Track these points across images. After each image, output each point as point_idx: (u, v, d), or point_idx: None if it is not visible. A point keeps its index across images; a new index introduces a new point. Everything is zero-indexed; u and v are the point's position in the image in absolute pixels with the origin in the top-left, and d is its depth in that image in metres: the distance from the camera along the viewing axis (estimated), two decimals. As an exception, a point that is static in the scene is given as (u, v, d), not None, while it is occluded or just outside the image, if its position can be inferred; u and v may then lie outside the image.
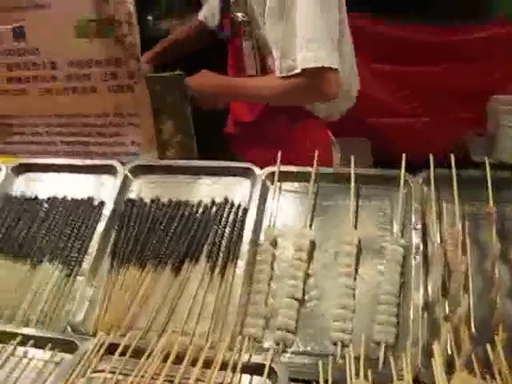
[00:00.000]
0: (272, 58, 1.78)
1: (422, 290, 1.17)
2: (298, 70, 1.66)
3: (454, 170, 1.34)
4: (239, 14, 1.82)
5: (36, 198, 1.57)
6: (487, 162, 1.36)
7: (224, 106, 2.00)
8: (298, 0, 1.63)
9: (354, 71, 2.01)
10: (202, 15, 2.30)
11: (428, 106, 3.33)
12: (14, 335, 1.26)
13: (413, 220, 1.29)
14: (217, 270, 1.30)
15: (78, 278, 1.35)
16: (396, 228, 1.30)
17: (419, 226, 1.28)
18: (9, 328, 1.29)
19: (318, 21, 1.63)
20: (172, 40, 2.35)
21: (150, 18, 3.49)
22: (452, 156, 1.37)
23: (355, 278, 1.23)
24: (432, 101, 3.30)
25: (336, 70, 1.66)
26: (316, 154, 1.41)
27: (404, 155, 1.39)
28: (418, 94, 3.29)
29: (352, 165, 1.38)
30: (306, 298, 1.22)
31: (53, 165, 1.65)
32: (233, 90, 1.86)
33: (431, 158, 1.37)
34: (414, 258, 1.22)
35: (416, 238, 1.26)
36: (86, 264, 1.36)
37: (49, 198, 1.55)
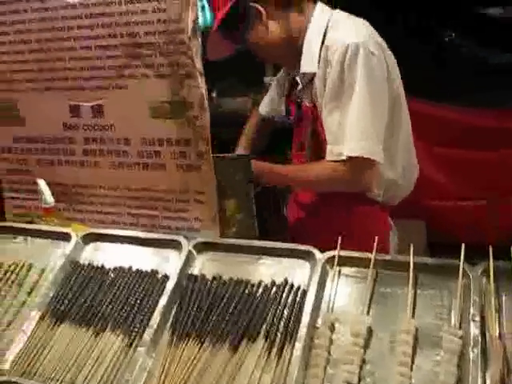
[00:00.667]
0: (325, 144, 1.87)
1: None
2: (344, 157, 1.77)
3: (514, 262, 1.34)
4: (306, 101, 1.92)
5: (103, 266, 1.64)
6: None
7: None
8: (353, 93, 1.75)
9: (413, 161, 2.06)
10: (262, 109, 2.40)
11: (485, 191, 3.33)
12: (74, 400, 1.31)
13: (471, 312, 1.29)
14: (274, 350, 1.32)
15: (139, 348, 1.39)
16: (454, 319, 1.30)
17: (478, 319, 1.27)
18: (70, 393, 1.34)
19: (369, 115, 1.76)
20: (247, 146, 2.41)
21: (214, 95, 3.66)
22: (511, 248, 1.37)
23: (411, 368, 1.23)
24: (489, 186, 3.30)
25: (377, 163, 1.79)
26: (375, 241, 1.44)
27: (463, 245, 1.40)
28: (475, 177, 3.30)
29: (411, 253, 1.40)
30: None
31: (121, 236, 1.73)
32: (282, 179, 1.99)
33: (490, 249, 1.38)
34: (472, 350, 1.22)
35: (474, 330, 1.25)
36: (147, 336, 1.41)
37: (115, 268, 1.62)
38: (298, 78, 1.95)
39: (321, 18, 1.88)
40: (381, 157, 1.79)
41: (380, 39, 1.86)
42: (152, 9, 1.68)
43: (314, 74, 1.87)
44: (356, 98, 1.75)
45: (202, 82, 1.70)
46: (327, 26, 1.85)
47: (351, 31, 1.82)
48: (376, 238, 1.44)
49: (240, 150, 2.37)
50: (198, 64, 1.68)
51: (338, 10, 1.93)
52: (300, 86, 1.95)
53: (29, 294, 1.63)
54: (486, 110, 3.59)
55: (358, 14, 1.93)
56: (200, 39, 1.67)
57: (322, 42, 1.85)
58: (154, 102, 1.76)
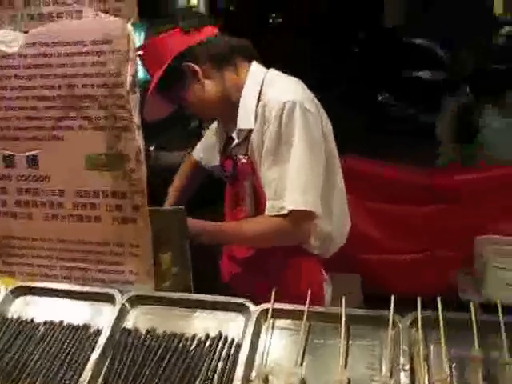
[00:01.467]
0: (264, 198, 1.90)
1: None
2: (285, 211, 1.81)
3: (440, 313, 1.39)
4: (241, 156, 1.96)
5: (32, 320, 1.59)
6: (472, 305, 1.42)
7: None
8: (292, 148, 1.81)
9: (346, 212, 2.12)
10: (197, 154, 2.44)
11: (416, 244, 3.45)
12: None
13: (401, 361, 1.32)
14: (208, 405, 1.31)
15: (69, 406, 1.35)
16: (385, 368, 1.32)
17: (407, 368, 1.30)
18: None
19: (308, 168, 1.82)
20: (179, 187, 2.44)
21: (151, 148, 3.68)
22: (439, 298, 1.42)
23: (345, 419, 1.24)
24: (420, 239, 3.42)
25: (316, 215, 1.84)
26: (309, 293, 1.46)
27: (392, 296, 1.44)
28: (407, 232, 3.42)
29: (342, 305, 1.43)
30: None
31: (52, 289, 1.69)
32: (221, 237, 2.00)
33: (418, 300, 1.43)
34: (403, 399, 1.24)
35: (404, 379, 1.28)
36: (78, 391, 1.37)
37: (45, 322, 1.57)
38: (234, 135, 1.99)
39: (256, 76, 1.94)
40: (320, 209, 1.84)
41: (314, 98, 1.93)
42: (91, 62, 1.69)
43: (251, 130, 1.92)
44: (294, 152, 1.81)
45: (139, 135, 1.71)
46: (263, 84, 1.92)
47: (287, 89, 1.89)
48: (310, 290, 1.47)
49: (171, 194, 2.39)
50: (136, 117, 1.70)
51: (272, 69, 2.00)
52: (236, 142, 1.99)
53: (-48, 350, 1.56)
54: (417, 167, 3.76)
55: (292, 75, 2.01)
56: (138, 93, 1.69)
57: (258, 99, 1.91)
58: (90, 154, 1.76)
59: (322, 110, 1.95)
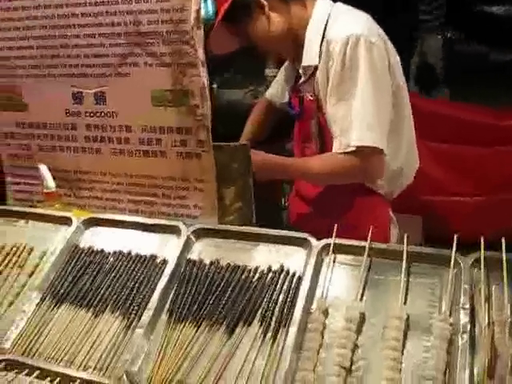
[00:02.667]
0: (331, 138, 1.90)
1: (467, 370, 1.19)
2: (352, 148, 1.79)
3: (504, 254, 1.37)
4: (307, 94, 1.95)
5: (102, 251, 1.67)
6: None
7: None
8: (356, 84, 1.78)
9: (414, 150, 2.09)
10: (269, 94, 2.43)
11: (481, 187, 3.37)
12: (73, 378, 1.35)
13: (461, 300, 1.31)
14: (269, 334, 1.36)
15: (137, 330, 1.42)
16: (444, 307, 1.33)
17: (467, 307, 1.30)
18: (69, 371, 1.37)
19: (373, 106, 1.79)
20: (253, 125, 2.45)
21: (214, 85, 3.69)
22: (503, 239, 1.40)
23: (402, 352, 1.26)
24: (485, 181, 3.33)
25: (383, 152, 1.81)
26: (372, 230, 1.47)
27: (456, 236, 1.43)
28: (471, 174, 3.34)
29: (405, 242, 1.43)
30: (353, 367, 1.26)
31: (121, 221, 1.75)
32: (288, 172, 2.00)
33: (482, 240, 1.41)
34: (461, 337, 1.25)
35: (464, 318, 1.28)
36: (145, 318, 1.44)
37: (114, 252, 1.65)
38: (300, 71, 1.97)
39: (322, 11, 1.90)
40: (386, 146, 1.82)
41: (381, 31, 1.88)
42: (156, -2, 1.70)
43: (316, 68, 1.90)
44: (359, 88, 1.78)
45: (203, 71, 1.72)
46: (328, 19, 1.88)
47: (352, 23, 1.84)
48: (374, 227, 1.47)
49: (245, 134, 2.40)
50: (200, 53, 1.71)
51: (338, 3, 1.96)
52: (302, 79, 1.98)
53: (29, 276, 1.66)
54: (483, 106, 3.63)
55: (358, 8, 1.96)
56: (202, 29, 1.69)
57: (323, 36, 1.87)
58: (155, 91, 1.79)
59: (389, 43, 1.89)
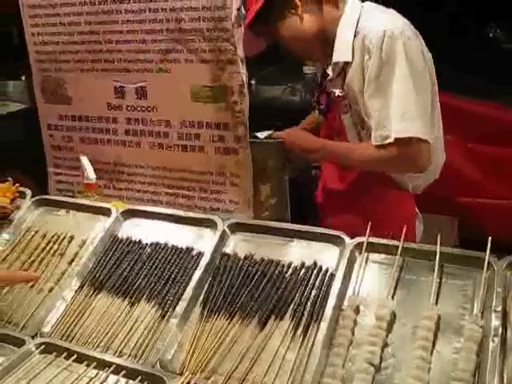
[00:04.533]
0: (366, 131, 1.90)
1: (497, 373, 1.19)
2: (391, 140, 1.79)
3: (538, 258, 1.37)
4: (336, 91, 1.96)
5: (140, 241, 1.71)
6: None
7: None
8: (394, 76, 1.78)
9: (441, 146, 2.08)
10: None
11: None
12: (108, 364, 1.39)
13: (493, 303, 1.31)
14: (300, 329, 1.38)
15: (171, 320, 1.46)
16: (476, 309, 1.33)
17: (499, 310, 1.30)
18: (105, 357, 1.42)
19: (411, 96, 1.78)
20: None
21: (253, 82, 3.71)
22: (538, 244, 1.40)
23: (431, 353, 1.27)
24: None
25: (428, 142, 1.79)
26: (402, 227, 1.47)
27: (490, 238, 1.43)
28: (510, 176, 3.29)
29: (438, 242, 1.43)
30: (383, 365, 1.27)
31: (158, 213, 1.78)
32: (326, 152, 1.99)
33: (516, 244, 1.41)
34: (492, 340, 1.24)
35: (495, 321, 1.28)
36: (180, 308, 1.47)
37: (152, 243, 1.69)
38: (329, 70, 1.98)
39: (353, 10, 1.91)
40: (428, 135, 1.81)
41: (413, 28, 1.88)
42: (198, -4, 1.74)
43: (346, 64, 1.91)
44: (397, 80, 1.78)
45: (242, 68, 1.76)
46: (359, 17, 1.89)
47: (386, 19, 1.85)
48: (404, 226, 1.48)
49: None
50: (240, 51, 1.74)
51: (368, 1, 1.96)
52: (330, 77, 1.98)
53: (69, 263, 1.71)
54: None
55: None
56: (243, 27, 1.72)
57: (355, 33, 1.88)
58: (195, 86, 1.83)
59: (422, 41, 1.89)
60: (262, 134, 1.91)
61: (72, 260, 1.72)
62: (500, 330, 1.26)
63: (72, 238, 1.78)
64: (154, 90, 1.90)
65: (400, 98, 1.79)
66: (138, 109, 1.95)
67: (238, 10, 1.70)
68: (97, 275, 1.63)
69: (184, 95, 1.85)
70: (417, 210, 2.07)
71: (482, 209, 3.38)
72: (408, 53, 1.78)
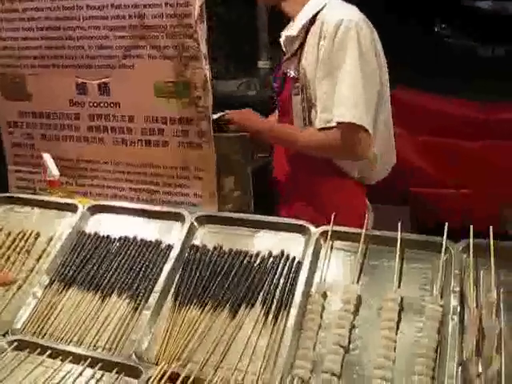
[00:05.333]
0: (313, 117, 1.96)
1: (457, 349, 1.27)
2: (333, 123, 1.86)
3: (491, 241, 1.46)
4: (291, 72, 2.01)
5: (108, 236, 1.72)
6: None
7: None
8: (344, 62, 1.84)
9: (391, 143, 2.14)
10: None
11: (468, 180, 3.45)
12: (83, 357, 1.41)
13: (452, 284, 1.40)
14: (270, 315, 1.43)
15: (144, 311, 1.49)
16: (436, 290, 1.41)
17: (457, 290, 1.38)
18: (79, 350, 1.44)
19: (358, 83, 1.84)
20: None
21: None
22: (491, 228, 1.49)
23: (396, 333, 1.34)
24: (472, 174, 3.42)
25: (368, 131, 1.86)
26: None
27: (446, 224, 1.51)
28: (459, 167, 3.42)
29: (399, 230, 1.51)
30: (351, 346, 1.34)
31: (125, 208, 1.81)
32: (272, 134, 2.04)
33: (471, 228, 1.50)
34: (452, 318, 1.33)
35: (454, 301, 1.36)
36: (152, 300, 1.51)
37: (120, 238, 1.71)
38: (283, 44, 2.08)
39: (318, 2, 1.98)
40: (368, 124, 1.86)
41: (370, 24, 1.96)
42: (161, -8, 1.76)
43: (301, 46, 1.97)
44: (346, 67, 1.84)
45: (206, 64, 1.79)
46: (324, 7, 1.95)
47: (345, 11, 1.92)
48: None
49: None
50: (203, 47, 1.77)
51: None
52: (287, 56, 2.05)
53: (37, 260, 1.71)
54: (470, 101, 3.71)
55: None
56: (206, 23, 1.75)
57: (315, 19, 1.94)
58: (158, 82, 1.85)
59: (377, 37, 1.97)
60: (214, 115, 1.94)
61: (40, 257, 1.72)
62: (458, 309, 1.35)
63: (38, 235, 1.78)
64: (117, 86, 1.91)
65: (347, 84, 1.84)
66: (101, 105, 1.95)
67: (201, 6, 1.73)
68: (66, 271, 1.65)
69: (147, 91, 1.86)
70: (367, 202, 2.13)
71: (432, 198, 3.51)
72: (360, 43, 1.84)
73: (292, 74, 2.01)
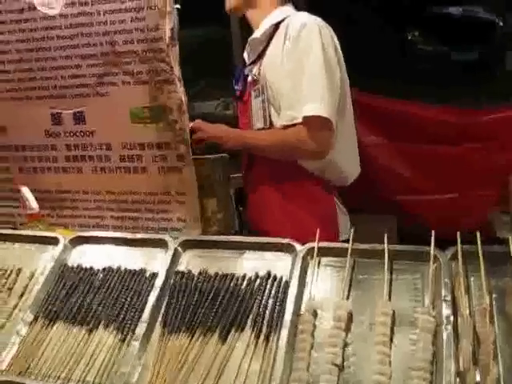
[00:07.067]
0: (277, 114, 1.96)
1: (453, 359, 1.25)
2: (299, 120, 1.86)
3: (480, 247, 1.44)
4: (252, 75, 2.03)
5: (91, 268, 1.69)
6: (511, 239, 1.47)
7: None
8: (308, 61, 1.86)
9: (356, 147, 2.14)
10: None
11: (453, 184, 3.45)
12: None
13: (443, 293, 1.38)
14: (261, 338, 1.40)
15: (132, 342, 1.46)
16: (427, 300, 1.39)
17: (449, 299, 1.36)
18: (69, 387, 1.40)
19: (322, 79, 1.86)
20: None
21: (185, 99, 3.71)
22: (478, 233, 1.47)
23: (390, 347, 1.32)
24: (457, 179, 3.42)
25: (332, 124, 1.86)
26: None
27: (433, 232, 1.50)
28: (442, 172, 3.42)
29: (385, 241, 1.49)
30: (346, 364, 1.31)
31: (107, 238, 1.77)
32: (236, 138, 2.00)
33: (458, 234, 1.48)
34: (445, 328, 1.31)
35: (446, 310, 1.34)
36: (140, 330, 1.47)
37: (104, 269, 1.67)
38: (248, 48, 2.10)
39: (284, 9, 2.03)
40: (334, 121, 1.86)
41: (331, 30, 1.98)
42: (130, 18, 1.75)
43: (263, 51, 2.00)
44: (310, 65, 1.86)
45: (180, 87, 1.78)
46: (288, 16, 1.99)
47: (310, 17, 1.95)
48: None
49: None
50: (177, 70, 1.76)
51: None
52: (250, 60, 2.08)
53: (20, 297, 1.67)
54: (448, 106, 3.72)
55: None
56: (178, 46, 1.74)
57: (279, 24, 1.98)
58: (134, 108, 1.84)
59: (336, 39, 1.98)
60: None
61: (22, 293, 1.68)
62: (451, 318, 1.32)
63: (20, 270, 1.74)
64: (93, 114, 1.89)
65: (311, 81, 1.85)
66: (77, 134, 1.93)
67: (172, 29, 1.72)
68: (50, 306, 1.61)
69: (123, 117, 1.85)
70: (341, 205, 2.12)
71: (417, 205, 3.50)
72: (323, 42, 1.87)
73: (254, 76, 2.03)
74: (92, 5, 1.78)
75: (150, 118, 1.83)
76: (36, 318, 1.59)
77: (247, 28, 2.21)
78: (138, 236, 1.75)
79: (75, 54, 1.84)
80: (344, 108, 2.00)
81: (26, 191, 1.93)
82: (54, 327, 1.57)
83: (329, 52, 1.89)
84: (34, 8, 1.85)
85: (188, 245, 1.67)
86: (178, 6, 1.92)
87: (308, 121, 1.85)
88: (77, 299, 1.61)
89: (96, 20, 1.79)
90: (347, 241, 1.93)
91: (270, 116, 1.98)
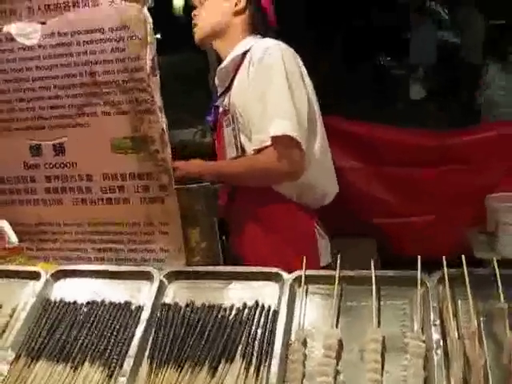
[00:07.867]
0: (249, 141, 1.97)
1: (445, 383, 1.25)
2: (268, 142, 1.86)
3: (465, 270, 1.45)
4: (222, 104, 2.07)
5: (75, 302, 1.65)
6: (495, 261, 1.48)
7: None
8: (272, 83, 1.87)
9: (331, 169, 2.16)
10: None
11: (430, 206, 3.49)
12: None
13: (431, 317, 1.38)
14: (251, 369, 1.38)
15: (120, 378, 1.42)
16: (416, 325, 1.39)
17: (438, 323, 1.37)
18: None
19: (287, 98, 1.87)
20: None
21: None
22: (463, 257, 1.48)
23: (382, 374, 1.31)
24: (433, 201, 3.46)
25: (300, 144, 1.85)
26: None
27: (419, 257, 1.50)
28: (419, 194, 3.46)
29: (372, 267, 1.50)
30: (338, 393, 1.30)
31: (90, 271, 1.74)
32: (210, 171, 2.01)
33: (444, 258, 1.49)
34: (436, 352, 1.31)
35: (436, 335, 1.34)
36: (127, 365, 1.44)
37: (88, 303, 1.64)
38: (216, 80, 2.14)
39: (251, 39, 2.05)
40: (303, 141, 1.86)
41: (294, 52, 2.00)
42: (111, 48, 1.74)
43: (232, 81, 2.03)
44: (275, 86, 1.87)
45: (162, 116, 1.77)
46: (253, 45, 2.01)
47: (272, 41, 1.98)
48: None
49: None
50: (158, 100, 1.75)
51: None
52: (220, 91, 2.12)
53: (1, 335, 1.63)
54: (424, 129, 3.78)
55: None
56: (159, 75, 1.74)
57: (245, 53, 2.00)
58: (115, 139, 1.82)
59: (300, 60, 2.00)
60: None
61: (3, 331, 1.63)
62: (441, 343, 1.33)
63: (0, 307, 1.70)
64: (73, 145, 1.87)
65: (276, 102, 1.86)
66: (57, 166, 1.90)
67: (153, 59, 1.71)
68: (32, 343, 1.56)
69: (104, 148, 1.83)
70: (320, 230, 2.11)
71: (396, 228, 3.53)
72: (285, 63, 1.89)
73: (224, 107, 2.06)
74: (71, 35, 1.77)
75: (131, 148, 1.81)
76: (18, 357, 1.55)
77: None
78: (122, 268, 1.73)
79: (54, 85, 1.82)
80: (315, 127, 2.02)
81: (4, 224, 1.90)
82: (38, 365, 1.52)
83: (292, 73, 1.90)
84: (12, 39, 1.84)
85: (173, 276, 1.65)
86: (158, 35, 1.92)
87: (276, 141, 1.85)
88: (60, 335, 1.57)
89: (75, 50, 1.77)
90: (329, 265, 1.95)
91: (241, 144, 1.99)
